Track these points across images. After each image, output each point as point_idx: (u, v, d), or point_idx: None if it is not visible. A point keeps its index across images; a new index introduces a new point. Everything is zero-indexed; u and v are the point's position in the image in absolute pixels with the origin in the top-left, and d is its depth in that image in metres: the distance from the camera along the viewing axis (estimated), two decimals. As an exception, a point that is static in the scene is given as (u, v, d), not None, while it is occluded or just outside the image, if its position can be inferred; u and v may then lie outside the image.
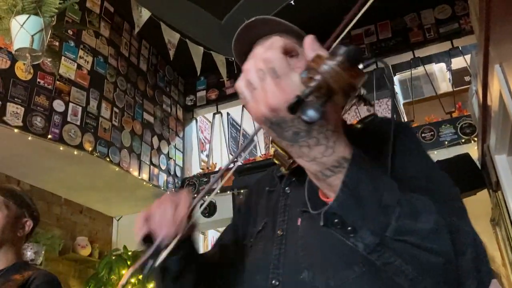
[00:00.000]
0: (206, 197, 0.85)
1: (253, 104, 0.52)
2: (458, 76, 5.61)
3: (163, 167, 4.77)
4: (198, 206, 0.80)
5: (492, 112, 2.46)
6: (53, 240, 3.88)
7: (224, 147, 5.91)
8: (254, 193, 1.00)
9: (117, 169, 4.01)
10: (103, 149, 3.85)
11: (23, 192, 1.66)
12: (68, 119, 3.56)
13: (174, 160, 5.05)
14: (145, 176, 4.39)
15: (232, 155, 5.89)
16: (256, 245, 0.86)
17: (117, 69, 4.28)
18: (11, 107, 3.15)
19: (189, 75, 5.40)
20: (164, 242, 0.74)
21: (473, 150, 3.85)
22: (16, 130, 3.14)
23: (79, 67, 3.76)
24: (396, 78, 6.13)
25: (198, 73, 4.44)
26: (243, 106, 4.90)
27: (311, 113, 0.45)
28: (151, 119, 4.72)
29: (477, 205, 3.32)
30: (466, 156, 3.58)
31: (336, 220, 0.53)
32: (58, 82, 3.52)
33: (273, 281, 0.75)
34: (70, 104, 3.60)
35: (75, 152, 3.57)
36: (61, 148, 3.46)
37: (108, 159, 3.88)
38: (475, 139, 3.99)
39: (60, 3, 2.06)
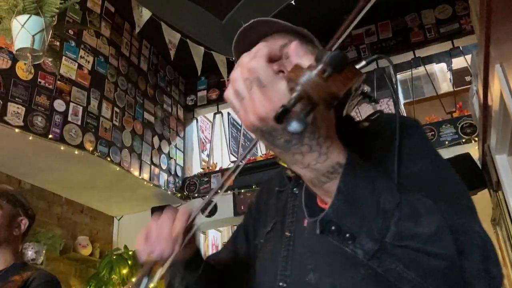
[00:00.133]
0: (210, 199, 0.84)
1: (242, 113, 0.51)
2: (458, 76, 5.60)
3: (164, 167, 4.77)
4: (198, 217, 0.79)
5: (493, 112, 2.46)
6: (54, 240, 3.89)
7: (225, 147, 5.92)
8: (265, 192, 1.00)
9: (117, 169, 4.01)
10: (104, 149, 3.86)
11: (16, 191, 1.65)
12: (69, 119, 3.56)
13: (175, 160, 5.05)
14: (145, 175, 4.39)
15: (232, 154, 5.91)
16: (265, 246, 0.86)
17: (118, 69, 4.28)
18: (12, 107, 3.16)
19: (189, 75, 5.40)
20: (160, 258, 0.75)
21: (473, 150, 3.85)
22: (17, 130, 3.14)
23: (80, 67, 3.77)
24: (396, 78, 6.12)
25: (199, 73, 4.44)
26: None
27: (295, 125, 0.45)
28: (151, 119, 4.72)
29: (478, 205, 3.24)
30: (467, 156, 3.57)
31: (333, 228, 0.52)
32: (59, 82, 3.53)
33: (280, 283, 0.75)
34: (71, 104, 3.61)
35: (76, 152, 3.57)
36: (62, 148, 3.46)
37: (109, 159, 3.88)
38: (476, 139, 3.99)
39: (61, 3, 2.06)
